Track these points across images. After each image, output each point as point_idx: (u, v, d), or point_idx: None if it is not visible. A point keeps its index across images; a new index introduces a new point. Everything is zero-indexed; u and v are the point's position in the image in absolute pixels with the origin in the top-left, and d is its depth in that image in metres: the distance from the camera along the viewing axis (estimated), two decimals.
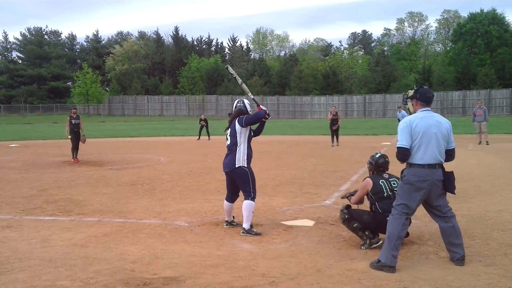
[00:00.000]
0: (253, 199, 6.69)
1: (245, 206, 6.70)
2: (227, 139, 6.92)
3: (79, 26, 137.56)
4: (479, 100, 33.48)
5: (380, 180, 6.12)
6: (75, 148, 16.86)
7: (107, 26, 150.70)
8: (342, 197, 6.55)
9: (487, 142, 21.45)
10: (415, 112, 5.35)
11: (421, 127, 5.13)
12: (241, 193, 6.95)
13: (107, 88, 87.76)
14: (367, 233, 5.99)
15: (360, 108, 68.22)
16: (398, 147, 5.23)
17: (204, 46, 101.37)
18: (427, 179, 5.11)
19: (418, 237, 6.37)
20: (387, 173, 6.31)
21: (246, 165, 6.71)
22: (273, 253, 5.74)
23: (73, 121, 16.93)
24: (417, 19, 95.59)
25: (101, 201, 9.34)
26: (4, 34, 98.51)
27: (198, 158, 17.72)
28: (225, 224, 7.16)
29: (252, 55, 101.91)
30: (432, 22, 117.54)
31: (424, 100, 5.30)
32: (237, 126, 6.78)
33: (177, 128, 42.13)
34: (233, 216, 7.24)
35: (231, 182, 6.96)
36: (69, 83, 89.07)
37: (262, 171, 13.51)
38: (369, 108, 68.09)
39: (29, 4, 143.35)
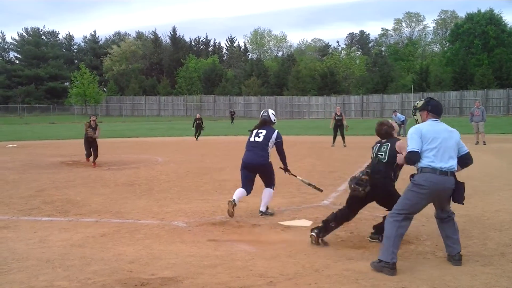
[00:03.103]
0: (273, 188, 8.09)
1: (268, 193, 7.99)
2: (258, 136, 8.05)
3: (76, 27, 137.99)
4: (476, 100, 33.55)
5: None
6: (89, 155, 15.86)
7: (105, 27, 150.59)
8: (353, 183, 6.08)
9: (484, 142, 21.48)
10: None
11: (432, 132, 5.20)
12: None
13: (104, 89, 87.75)
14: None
15: (357, 108, 68.28)
16: (409, 151, 5.23)
17: (201, 47, 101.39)
18: (438, 186, 5.10)
19: (416, 237, 6.37)
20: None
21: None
22: (271, 253, 5.74)
23: (90, 130, 15.76)
24: (414, 20, 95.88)
25: (98, 201, 9.33)
26: (1, 35, 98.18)
27: (196, 158, 17.71)
28: (234, 201, 7.59)
29: (250, 55, 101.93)
30: (429, 23, 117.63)
31: (436, 112, 5.40)
32: (274, 136, 8.09)
33: (175, 129, 42.12)
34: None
35: (251, 174, 8.02)
36: (67, 84, 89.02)
37: None
38: (366, 109, 68.15)
39: (26, 5, 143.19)
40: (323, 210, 8.27)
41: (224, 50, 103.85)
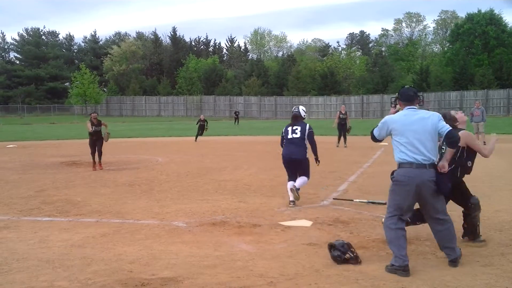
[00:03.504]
0: (308, 177, 9.03)
1: (303, 180, 8.92)
2: (295, 132, 8.94)
3: (77, 27, 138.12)
4: (476, 100, 33.54)
5: None
6: (93, 153, 14.76)
7: (105, 27, 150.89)
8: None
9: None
10: None
11: (400, 124, 5.15)
12: None
13: (104, 89, 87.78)
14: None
15: (358, 108, 68.25)
16: (371, 131, 5.49)
17: (202, 47, 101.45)
18: (416, 179, 5.01)
19: (416, 237, 6.37)
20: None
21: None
22: (271, 254, 5.74)
23: (93, 128, 14.69)
24: (414, 20, 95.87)
25: (99, 201, 9.33)
26: (1, 35, 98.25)
27: (196, 158, 17.71)
28: (291, 204, 8.70)
29: (250, 55, 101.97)
30: (429, 23, 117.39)
31: (406, 99, 5.32)
32: (307, 128, 9.01)
33: (175, 129, 42.11)
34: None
35: (293, 167, 8.98)
36: (67, 84, 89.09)
37: (261, 171, 13.52)
38: (366, 109, 68.12)
39: (26, 5, 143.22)
40: (323, 210, 8.27)
41: (224, 50, 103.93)
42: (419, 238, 6.36)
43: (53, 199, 9.68)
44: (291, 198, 8.72)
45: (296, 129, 8.97)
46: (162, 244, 6.21)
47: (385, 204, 8.81)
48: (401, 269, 4.92)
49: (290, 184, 8.84)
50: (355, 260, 5.26)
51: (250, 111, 73.38)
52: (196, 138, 26.95)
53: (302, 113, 9.22)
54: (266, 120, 64.93)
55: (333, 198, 9.24)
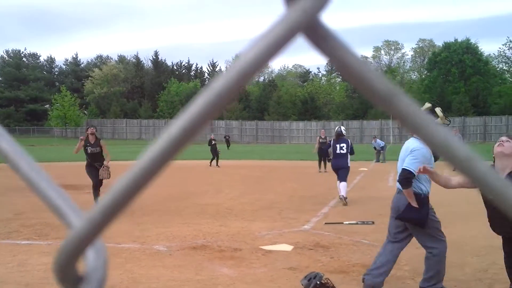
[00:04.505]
0: (346, 181, 12.05)
1: (344, 184, 11.90)
2: (342, 149, 12.25)
3: (58, 49, 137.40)
4: (454, 127, 34.13)
5: None
6: (97, 186, 11.06)
7: (87, 50, 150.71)
8: None
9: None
10: None
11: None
12: None
13: (85, 111, 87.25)
14: None
15: None
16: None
17: (183, 71, 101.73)
18: (392, 204, 5.30)
19: (396, 261, 6.44)
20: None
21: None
22: (252, 278, 5.76)
23: (89, 150, 10.95)
24: (393, 48, 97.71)
25: None
26: None
27: (178, 182, 17.66)
28: (342, 197, 11.79)
29: None
30: (408, 51, 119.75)
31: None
32: (349, 144, 12.46)
33: None
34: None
35: (339, 171, 12.17)
36: (47, 106, 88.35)
37: (242, 195, 13.55)
38: (346, 134, 68.13)
39: (7, 27, 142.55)
40: (303, 235, 8.33)
41: (206, 74, 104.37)
42: (398, 263, 6.43)
43: (32, 222, 9.57)
44: (342, 193, 11.83)
45: (343, 146, 12.29)
46: (143, 268, 6.19)
47: (373, 224, 9.01)
48: None
49: (341, 188, 11.92)
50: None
51: (231, 135, 73.48)
52: (211, 163, 24.63)
53: (344, 132, 12.73)
54: (247, 144, 65.06)
55: (325, 223, 9.30)
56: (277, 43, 0.39)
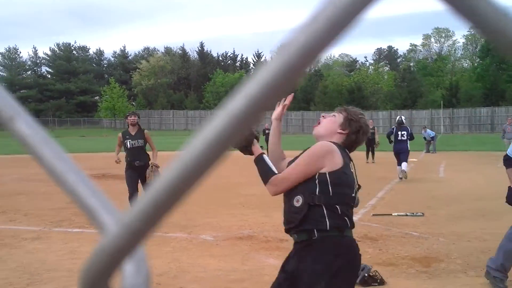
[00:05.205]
0: (406, 161, 14.43)
1: (405, 164, 14.21)
2: (403, 136, 14.47)
3: (106, 42, 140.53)
4: (508, 116, 32.94)
5: None
6: (133, 195, 8.50)
7: (134, 42, 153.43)
8: None
9: None
10: None
11: None
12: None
13: (133, 103, 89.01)
14: None
15: (386, 124, 67.61)
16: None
17: (229, 62, 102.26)
18: None
19: (447, 255, 6.26)
20: None
21: None
22: None
23: (128, 143, 8.54)
24: (443, 35, 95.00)
25: None
26: (33, 50, 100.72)
27: (223, 172, 17.75)
28: (403, 171, 14.17)
29: None
30: (459, 38, 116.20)
31: None
32: (409, 131, 14.79)
33: None
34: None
35: (400, 155, 14.34)
36: (97, 98, 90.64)
37: None
38: (395, 124, 67.41)
39: (58, 21, 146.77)
40: None
41: (251, 65, 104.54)
42: (449, 256, 6.25)
43: None
44: (401, 176, 14.16)
45: (404, 133, 14.52)
46: (190, 257, 6.23)
47: (423, 215, 8.79)
48: None
49: (402, 165, 14.13)
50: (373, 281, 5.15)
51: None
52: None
53: (404, 121, 15.20)
54: (292, 135, 64.88)
55: (372, 215, 9.14)
56: None
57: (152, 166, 8.42)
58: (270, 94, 0.30)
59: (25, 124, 0.39)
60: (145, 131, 8.82)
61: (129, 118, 8.79)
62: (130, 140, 8.49)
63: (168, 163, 0.35)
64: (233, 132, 0.31)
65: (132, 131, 8.65)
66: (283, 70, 0.30)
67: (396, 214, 9.02)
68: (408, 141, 14.60)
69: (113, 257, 0.35)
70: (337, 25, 0.29)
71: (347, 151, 2.89)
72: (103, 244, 0.36)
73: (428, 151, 26.57)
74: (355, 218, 8.46)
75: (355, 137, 2.92)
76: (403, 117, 15.39)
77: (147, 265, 0.39)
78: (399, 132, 14.63)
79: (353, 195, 2.76)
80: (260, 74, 0.31)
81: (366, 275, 5.11)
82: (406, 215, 8.91)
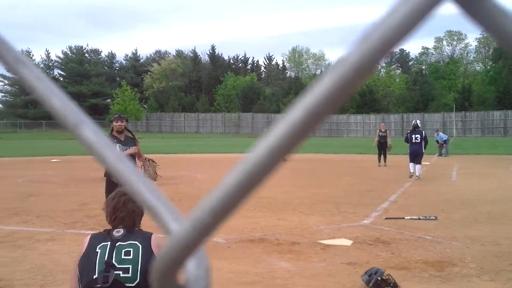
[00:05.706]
0: (420, 164, 15.55)
1: (419, 167, 15.41)
2: (417, 139, 15.65)
3: (118, 45, 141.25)
4: None
5: None
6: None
7: (146, 45, 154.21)
8: None
9: None
10: None
11: None
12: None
13: (145, 105, 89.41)
14: None
15: (397, 127, 67.34)
16: None
17: (240, 65, 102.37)
18: None
19: (460, 259, 6.22)
20: None
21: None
22: (310, 272, 5.70)
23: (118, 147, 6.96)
24: (456, 38, 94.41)
25: None
26: (46, 53, 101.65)
27: None
28: (412, 174, 15.55)
29: (288, 73, 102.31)
30: (471, 41, 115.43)
31: None
32: (424, 134, 15.89)
33: (213, 145, 42.45)
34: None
35: (415, 157, 15.48)
36: (108, 100, 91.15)
37: (298, 189, 13.46)
38: (407, 127, 67.08)
39: (71, 24, 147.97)
40: (363, 230, 8.17)
41: (262, 68, 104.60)
42: (463, 260, 6.20)
43: (95, 212, 9.85)
44: (412, 171, 15.60)
45: (417, 136, 15.74)
46: None
47: (436, 219, 8.74)
48: None
49: (413, 166, 15.54)
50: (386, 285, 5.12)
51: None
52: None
53: (419, 125, 16.51)
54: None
55: (385, 218, 9.10)
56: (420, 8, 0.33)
57: (147, 160, 7.66)
58: (325, 107, 0.32)
59: (89, 130, 0.44)
60: (134, 137, 7.49)
61: (114, 123, 7.14)
62: (120, 145, 6.95)
63: (234, 165, 0.38)
64: (292, 140, 0.34)
65: (121, 137, 7.19)
66: (337, 85, 0.32)
67: (408, 217, 8.98)
68: (423, 144, 15.69)
69: (183, 251, 0.39)
70: (388, 44, 0.33)
71: None
72: (171, 242, 0.39)
73: (440, 155, 26.41)
74: (366, 221, 8.42)
75: None
76: (418, 121, 16.75)
77: (207, 258, 0.43)
78: (413, 136, 15.86)
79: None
80: (317, 88, 0.33)
81: (379, 278, 5.09)
82: (419, 218, 8.87)
